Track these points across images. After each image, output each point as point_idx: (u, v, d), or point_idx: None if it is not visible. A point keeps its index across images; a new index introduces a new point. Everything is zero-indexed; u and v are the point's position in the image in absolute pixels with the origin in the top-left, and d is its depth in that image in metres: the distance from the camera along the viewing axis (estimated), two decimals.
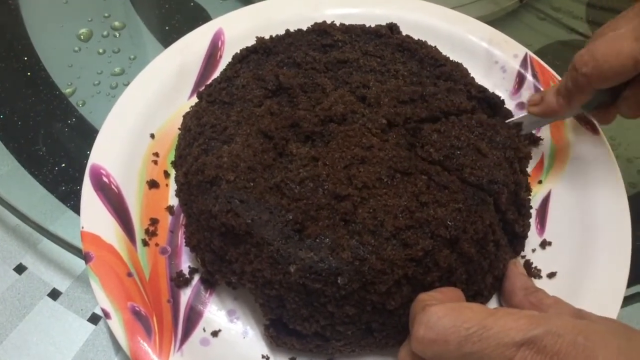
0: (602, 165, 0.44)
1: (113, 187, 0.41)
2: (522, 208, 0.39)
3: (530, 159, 0.42)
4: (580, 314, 0.30)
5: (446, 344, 0.27)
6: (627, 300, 0.42)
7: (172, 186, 0.43)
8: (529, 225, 0.40)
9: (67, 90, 0.55)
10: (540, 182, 0.44)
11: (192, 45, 0.50)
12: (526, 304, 0.34)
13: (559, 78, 0.49)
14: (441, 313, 0.28)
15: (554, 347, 0.26)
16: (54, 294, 0.44)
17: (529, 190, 0.41)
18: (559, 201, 0.43)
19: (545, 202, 0.44)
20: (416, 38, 0.45)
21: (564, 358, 0.25)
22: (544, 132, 0.47)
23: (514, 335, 0.26)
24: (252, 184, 0.34)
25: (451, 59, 0.45)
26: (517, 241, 0.39)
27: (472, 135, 0.38)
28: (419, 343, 0.28)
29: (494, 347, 0.26)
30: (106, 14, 0.62)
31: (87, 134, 0.52)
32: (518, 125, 0.43)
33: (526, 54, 0.50)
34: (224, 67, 0.45)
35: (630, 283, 0.39)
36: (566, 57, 0.61)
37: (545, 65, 0.50)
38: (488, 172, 0.36)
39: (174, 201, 0.42)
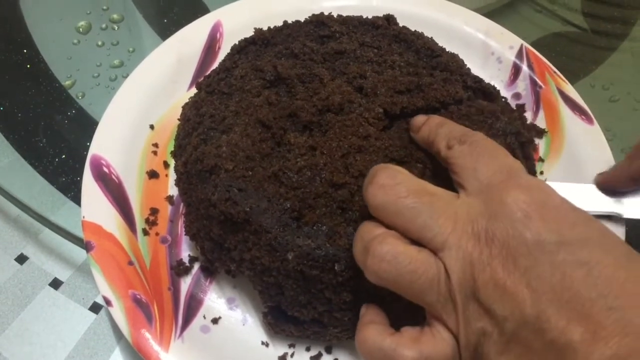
0: (596, 156, 0.44)
1: (113, 177, 0.41)
2: None
3: (533, 142, 0.41)
4: None
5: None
6: None
7: (172, 176, 0.43)
8: None
9: (67, 83, 0.56)
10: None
11: (191, 37, 0.50)
12: None
13: (555, 69, 0.50)
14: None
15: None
16: (56, 284, 0.44)
17: (533, 175, 0.40)
18: None
19: None
20: (413, 29, 0.46)
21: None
22: (540, 123, 0.47)
23: None
24: (250, 173, 0.35)
25: (447, 50, 0.45)
26: None
27: (472, 124, 0.37)
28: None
29: None
30: (104, 7, 0.62)
31: (87, 125, 0.52)
32: (521, 107, 0.41)
33: (522, 46, 0.51)
34: (223, 58, 0.45)
35: None
36: (562, 49, 0.62)
37: (541, 56, 0.50)
38: None
39: (173, 191, 0.43)
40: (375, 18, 0.46)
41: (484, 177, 0.27)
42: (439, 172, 0.35)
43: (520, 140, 0.39)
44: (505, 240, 0.24)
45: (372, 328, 0.28)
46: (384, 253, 0.26)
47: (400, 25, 0.46)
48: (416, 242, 0.27)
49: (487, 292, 0.24)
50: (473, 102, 0.40)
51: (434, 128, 0.33)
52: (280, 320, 0.36)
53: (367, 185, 0.29)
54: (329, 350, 0.37)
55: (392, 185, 0.28)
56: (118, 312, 0.36)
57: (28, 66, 0.57)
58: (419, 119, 0.36)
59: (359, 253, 0.28)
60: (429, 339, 0.26)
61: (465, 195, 0.28)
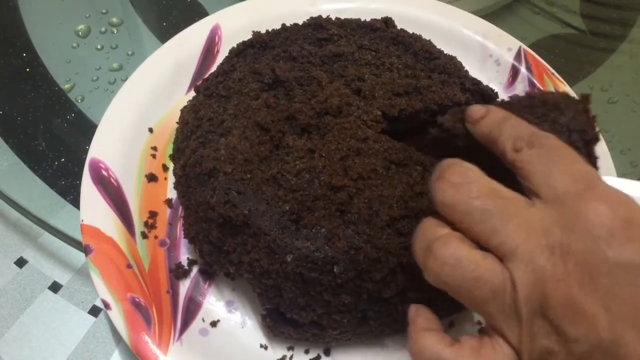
0: None
1: (112, 180, 0.41)
2: None
3: (598, 140, 0.39)
4: None
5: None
6: None
7: (171, 179, 0.43)
8: None
9: (66, 86, 0.56)
10: None
11: (189, 40, 0.50)
12: None
13: (553, 71, 0.50)
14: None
15: None
16: (55, 287, 0.44)
17: None
18: None
19: None
20: (411, 32, 0.46)
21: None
22: None
23: None
24: (249, 176, 0.35)
25: (446, 52, 0.45)
26: None
27: (534, 117, 0.33)
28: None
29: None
30: (104, 10, 0.62)
31: (86, 129, 0.52)
32: (587, 97, 0.37)
33: (520, 48, 0.51)
34: (221, 61, 0.45)
35: None
36: (560, 51, 0.62)
37: (539, 58, 0.50)
38: None
39: (172, 194, 0.43)
40: (374, 21, 0.46)
41: (560, 185, 0.25)
42: None
43: (585, 138, 0.34)
44: (582, 256, 0.22)
45: (430, 336, 0.26)
46: (447, 256, 0.25)
47: (398, 27, 0.46)
48: (482, 246, 0.25)
49: (558, 309, 0.22)
50: (537, 92, 0.35)
51: (496, 124, 0.30)
52: (279, 323, 0.36)
53: (435, 180, 0.27)
54: (327, 353, 0.37)
55: (464, 183, 0.26)
56: (117, 316, 0.36)
57: (27, 70, 0.57)
58: (478, 110, 0.31)
59: (421, 251, 0.27)
60: (489, 352, 0.25)
61: (539, 202, 0.25)
